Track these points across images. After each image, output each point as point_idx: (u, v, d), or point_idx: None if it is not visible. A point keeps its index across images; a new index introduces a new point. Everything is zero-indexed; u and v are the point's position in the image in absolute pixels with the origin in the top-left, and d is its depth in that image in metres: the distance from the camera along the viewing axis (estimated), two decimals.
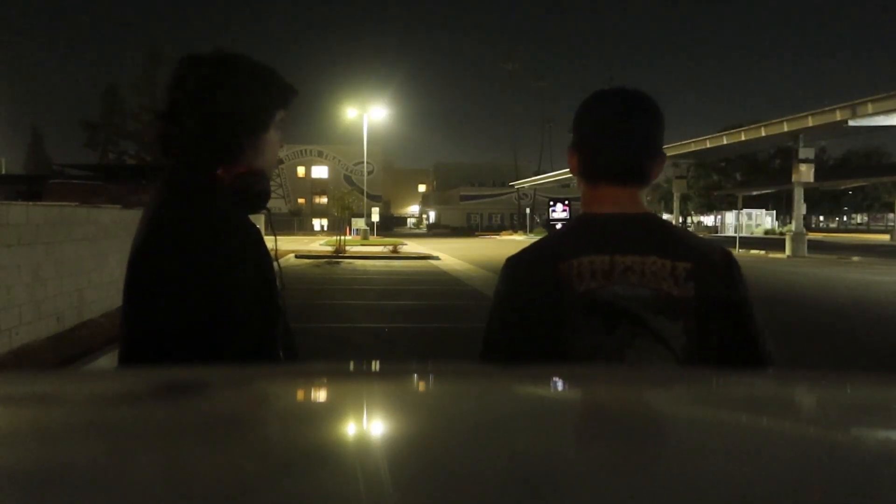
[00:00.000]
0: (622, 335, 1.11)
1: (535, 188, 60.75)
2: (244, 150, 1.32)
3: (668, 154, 17.92)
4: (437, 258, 21.98)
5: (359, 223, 37.39)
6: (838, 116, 21.11)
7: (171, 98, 1.32)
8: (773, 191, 52.26)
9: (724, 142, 28.05)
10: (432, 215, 79.52)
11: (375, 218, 40.46)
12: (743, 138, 26.98)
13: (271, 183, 1.40)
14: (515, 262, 1.24)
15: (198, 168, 1.29)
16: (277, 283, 1.31)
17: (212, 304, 1.17)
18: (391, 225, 66.76)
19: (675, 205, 36.17)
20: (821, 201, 70.18)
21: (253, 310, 1.22)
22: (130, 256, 1.24)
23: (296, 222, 55.32)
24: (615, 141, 1.21)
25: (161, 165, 1.35)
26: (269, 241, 1.51)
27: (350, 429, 0.60)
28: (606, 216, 1.20)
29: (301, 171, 68.43)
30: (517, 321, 1.18)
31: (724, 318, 1.15)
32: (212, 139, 1.28)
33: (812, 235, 29.82)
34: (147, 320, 1.21)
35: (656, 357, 1.11)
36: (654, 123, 1.23)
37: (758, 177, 58.58)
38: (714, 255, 1.18)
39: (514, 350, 1.17)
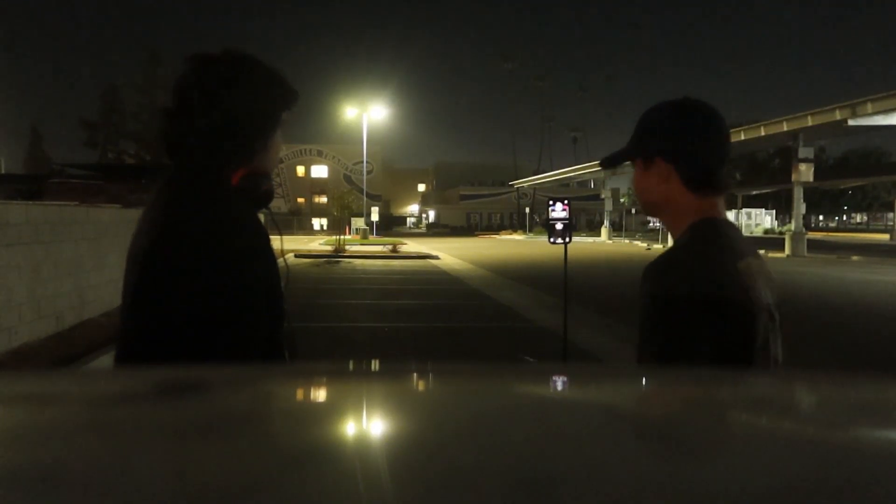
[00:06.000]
0: (772, 331, 1.19)
1: (534, 187, 60.78)
2: (257, 151, 1.32)
3: None
4: (436, 258, 21.98)
5: (358, 223, 37.41)
6: (838, 116, 21.12)
7: (183, 97, 1.29)
8: (772, 190, 52.26)
9: None
10: (432, 215, 79.47)
11: (375, 217, 40.45)
12: (743, 138, 26.96)
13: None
14: (680, 265, 1.19)
15: (211, 169, 1.27)
16: (283, 282, 1.31)
17: (229, 306, 1.17)
18: (391, 224, 66.79)
19: None
20: (820, 201, 70.24)
21: (266, 310, 1.22)
22: (142, 257, 1.21)
23: (295, 222, 55.25)
24: (717, 152, 1.26)
25: (163, 164, 1.34)
26: (274, 240, 1.51)
27: (350, 429, 0.60)
28: (727, 222, 1.26)
29: (301, 170, 68.32)
30: (705, 324, 1.12)
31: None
32: (229, 141, 1.27)
33: (812, 235, 29.83)
34: (162, 321, 1.19)
35: (781, 350, 1.20)
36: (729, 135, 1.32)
37: (757, 176, 58.55)
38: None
39: (699, 354, 1.11)
